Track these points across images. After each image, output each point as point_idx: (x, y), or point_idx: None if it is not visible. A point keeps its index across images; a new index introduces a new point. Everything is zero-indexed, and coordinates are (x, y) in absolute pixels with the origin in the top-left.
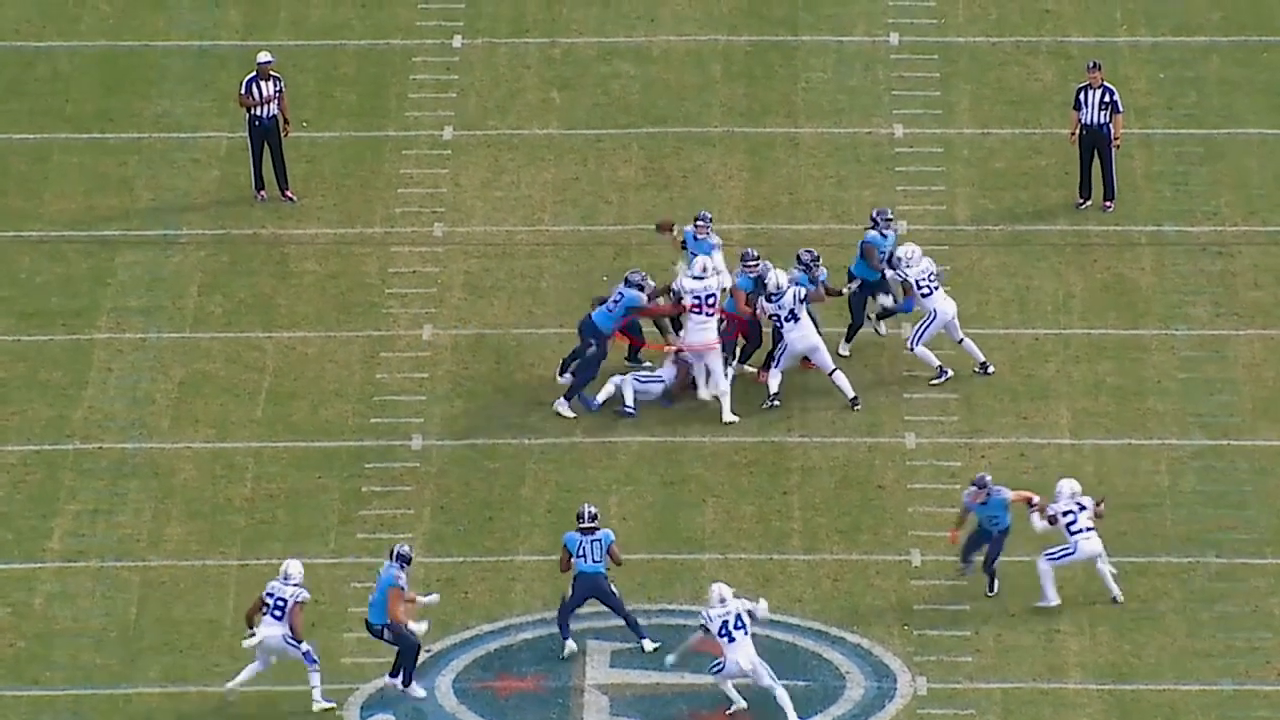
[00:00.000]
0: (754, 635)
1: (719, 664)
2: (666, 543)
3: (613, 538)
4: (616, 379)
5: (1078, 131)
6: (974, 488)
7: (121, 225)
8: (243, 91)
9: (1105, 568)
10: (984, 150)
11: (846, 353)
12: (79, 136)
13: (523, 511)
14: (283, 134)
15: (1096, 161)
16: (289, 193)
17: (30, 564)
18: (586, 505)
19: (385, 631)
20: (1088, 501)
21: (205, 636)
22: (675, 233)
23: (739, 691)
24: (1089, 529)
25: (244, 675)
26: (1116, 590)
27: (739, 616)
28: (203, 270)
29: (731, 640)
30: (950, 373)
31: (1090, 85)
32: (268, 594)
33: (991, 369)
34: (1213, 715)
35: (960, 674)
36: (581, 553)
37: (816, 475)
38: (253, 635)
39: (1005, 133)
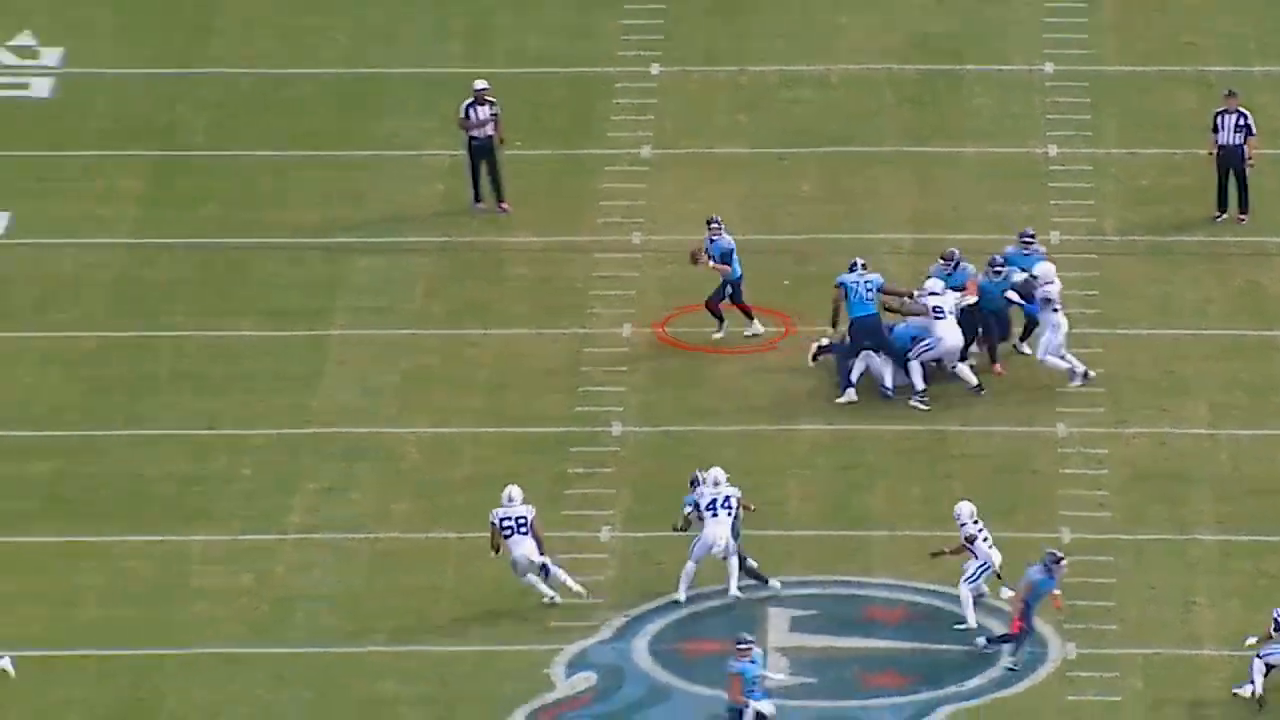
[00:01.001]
0: (921, 604)
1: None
2: (839, 521)
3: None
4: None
5: (1215, 152)
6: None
7: (356, 234)
8: (461, 115)
9: None
10: (1130, 169)
11: (1026, 350)
12: (318, 154)
13: None
14: (498, 152)
15: (1232, 179)
16: (504, 205)
17: (273, 536)
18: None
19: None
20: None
21: (428, 602)
22: (703, 257)
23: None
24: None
25: (542, 590)
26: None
27: (727, 498)
28: (426, 274)
29: (715, 516)
30: (1088, 374)
31: (1227, 110)
32: (503, 519)
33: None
34: None
35: (1106, 641)
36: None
37: (976, 461)
38: (496, 552)
39: (1150, 153)
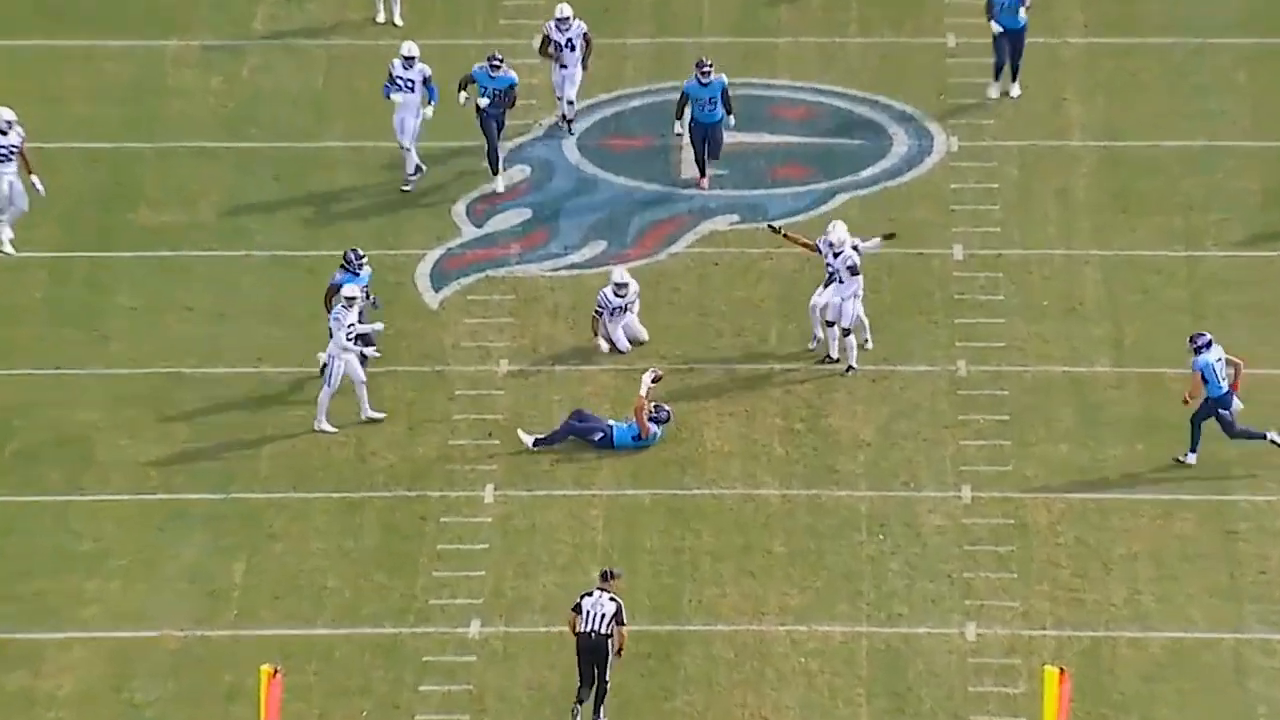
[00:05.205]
0: (821, 104)
1: None
2: (748, 30)
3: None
4: None
5: None
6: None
7: None
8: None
9: None
10: None
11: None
12: None
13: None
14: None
15: None
16: None
17: (238, 42)
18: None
19: None
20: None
21: (375, 103)
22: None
23: None
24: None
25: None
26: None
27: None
28: None
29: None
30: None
31: None
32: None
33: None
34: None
35: (986, 134)
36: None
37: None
38: None
39: None
